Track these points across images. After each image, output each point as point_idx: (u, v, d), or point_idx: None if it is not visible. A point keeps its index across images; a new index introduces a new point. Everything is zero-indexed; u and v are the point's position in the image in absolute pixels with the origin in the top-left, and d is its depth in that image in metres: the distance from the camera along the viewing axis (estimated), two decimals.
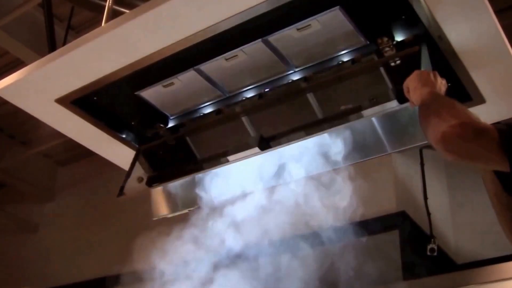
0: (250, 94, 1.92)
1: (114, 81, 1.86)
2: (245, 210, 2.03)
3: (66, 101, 1.95)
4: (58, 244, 4.92)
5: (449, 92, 1.54)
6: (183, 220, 2.14)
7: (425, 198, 2.91)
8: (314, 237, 2.38)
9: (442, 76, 1.53)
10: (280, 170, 1.97)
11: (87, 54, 1.79)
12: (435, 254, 2.75)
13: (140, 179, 2.00)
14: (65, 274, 4.66)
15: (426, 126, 1.32)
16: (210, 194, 2.00)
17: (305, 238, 2.45)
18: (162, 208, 2.15)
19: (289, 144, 1.79)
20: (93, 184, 4.94)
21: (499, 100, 1.72)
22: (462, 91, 1.69)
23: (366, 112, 1.69)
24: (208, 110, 1.99)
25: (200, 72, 1.85)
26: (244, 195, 2.03)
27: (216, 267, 2.23)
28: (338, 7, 1.60)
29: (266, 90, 1.88)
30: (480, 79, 1.67)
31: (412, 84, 1.50)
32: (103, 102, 1.99)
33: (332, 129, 1.74)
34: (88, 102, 1.97)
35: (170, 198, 2.11)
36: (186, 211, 2.09)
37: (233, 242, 2.11)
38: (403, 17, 1.62)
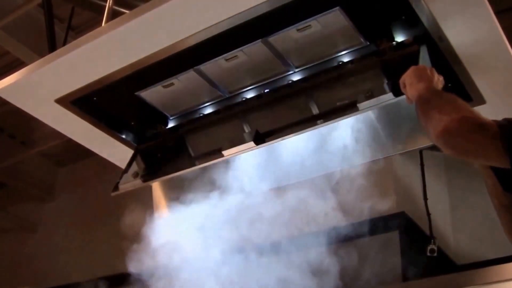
0: (250, 95, 1.91)
1: (114, 81, 1.86)
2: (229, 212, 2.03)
3: (66, 101, 1.95)
4: (58, 244, 4.92)
5: (450, 92, 1.54)
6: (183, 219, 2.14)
7: (425, 198, 2.90)
8: (314, 237, 2.37)
9: (442, 76, 1.53)
10: (280, 171, 1.97)
11: (87, 55, 1.79)
12: (435, 254, 2.74)
13: (135, 175, 1.99)
14: (65, 274, 4.65)
15: (426, 121, 1.31)
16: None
17: (305, 238, 2.44)
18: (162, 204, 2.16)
19: (284, 139, 1.75)
20: (93, 184, 4.93)
21: (499, 100, 1.72)
22: (463, 91, 1.68)
23: (361, 106, 1.63)
24: (208, 110, 1.99)
25: (200, 73, 1.84)
26: (243, 195, 2.03)
27: (218, 264, 2.23)
28: (338, 7, 1.60)
29: (266, 90, 1.88)
30: (481, 80, 1.67)
31: (408, 80, 1.48)
32: (103, 103, 2.00)
33: (328, 122, 1.70)
34: (88, 102, 1.97)
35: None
36: None
37: (233, 242, 2.11)
38: (403, 17, 1.61)
